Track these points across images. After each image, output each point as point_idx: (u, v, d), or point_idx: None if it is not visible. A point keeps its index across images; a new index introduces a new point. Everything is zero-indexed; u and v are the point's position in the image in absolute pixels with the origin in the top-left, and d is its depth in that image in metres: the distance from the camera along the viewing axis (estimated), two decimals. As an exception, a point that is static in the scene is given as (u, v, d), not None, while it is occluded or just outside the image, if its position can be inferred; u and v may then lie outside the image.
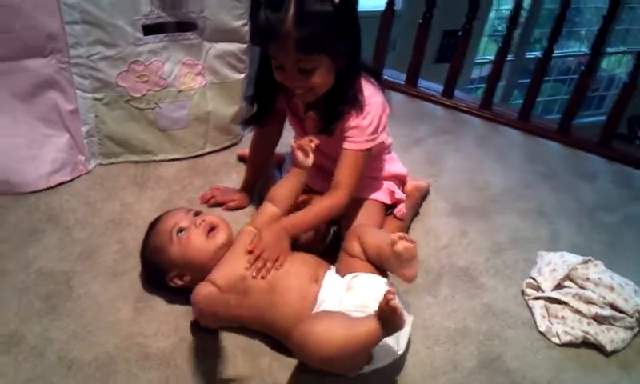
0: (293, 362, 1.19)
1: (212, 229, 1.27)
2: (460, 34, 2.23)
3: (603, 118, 2.25)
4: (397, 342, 1.16)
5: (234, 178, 1.71)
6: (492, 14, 4.40)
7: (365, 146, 1.36)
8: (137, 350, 1.19)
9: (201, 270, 1.23)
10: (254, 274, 1.20)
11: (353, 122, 1.35)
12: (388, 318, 1.02)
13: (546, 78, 2.27)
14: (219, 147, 1.83)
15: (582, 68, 2.16)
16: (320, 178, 1.53)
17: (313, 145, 1.34)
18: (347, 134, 1.36)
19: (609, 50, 4.88)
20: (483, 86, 4.79)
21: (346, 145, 1.36)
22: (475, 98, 2.33)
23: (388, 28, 2.29)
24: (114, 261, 1.40)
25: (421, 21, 2.24)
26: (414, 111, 2.24)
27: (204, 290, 1.17)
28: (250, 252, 1.24)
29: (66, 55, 1.51)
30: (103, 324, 1.24)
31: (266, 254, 1.23)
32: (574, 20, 5.03)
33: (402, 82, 2.34)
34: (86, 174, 1.65)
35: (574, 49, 5.17)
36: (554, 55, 2.18)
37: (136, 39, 1.55)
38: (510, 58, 4.48)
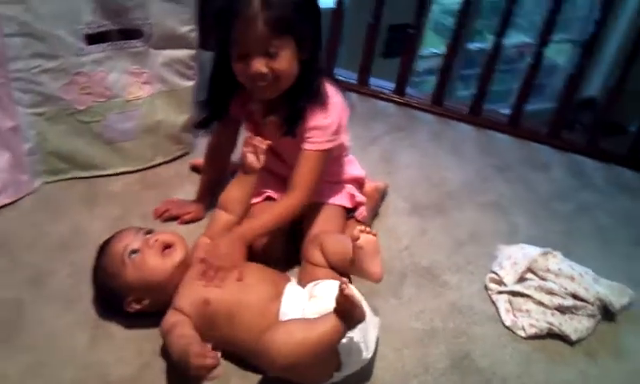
0: (262, 380, 1.16)
1: (167, 247, 1.22)
2: (410, 31, 2.22)
3: (545, 105, 2.30)
4: (366, 347, 1.15)
5: (188, 188, 1.65)
6: (435, 7, 4.44)
7: (325, 147, 1.34)
8: (97, 380, 1.13)
9: (160, 292, 1.18)
10: (204, 284, 1.17)
11: (313, 122, 1.32)
12: (345, 310, 1.01)
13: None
14: (170, 158, 1.77)
15: (528, 59, 2.19)
16: (283, 189, 1.50)
17: (264, 146, 1.30)
18: (308, 135, 1.33)
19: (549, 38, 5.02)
20: (429, 78, 4.85)
21: (305, 145, 1.33)
22: (426, 95, 2.34)
23: (339, 26, 2.27)
24: (68, 286, 1.32)
25: (371, 19, 2.23)
26: (367, 110, 2.23)
27: (173, 319, 1.13)
28: (202, 260, 1.20)
29: (4, 69, 1.42)
30: (59, 355, 1.17)
31: (218, 262, 1.19)
32: (514, 10, 5.12)
33: (354, 81, 2.32)
34: (30, 194, 1.56)
35: (514, 39, 5.28)
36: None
37: (78, 49, 1.48)
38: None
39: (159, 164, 1.75)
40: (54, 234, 1.46)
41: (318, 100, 1.32)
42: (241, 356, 1.18)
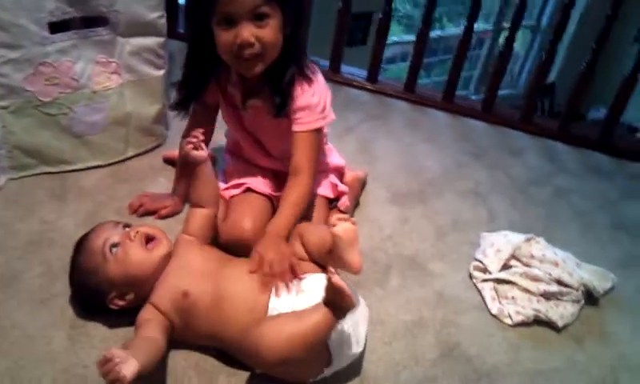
0: (251, 377, 1.13)
1: (149, 239, 1.17)
2: (380, 17, 2.21)
3: (502, 91, 2.32)
4: (356, 341, 1.13)
5: (162, 182, 1.61)
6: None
7: (316, 125, 1.31)
8: (78, 381, 1.08)
9: (145, 285, 1.14)
10: (277, 295, 1.12)
11: (300, 102, 1.29)
12: (335, 299, 0.98)
13: (447, 56, 2.32)
14: (142, 150, 1.71)
15: (500, 49, 2.21)
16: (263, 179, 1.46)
17: (200, 136, 1.25)
18: (296, 116, 1.30)
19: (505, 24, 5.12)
20: (390, 66, 4.88)
21: (296, 127, 1.30)
22: (399, 82, 2.33)
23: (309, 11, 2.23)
24: (40, 286, 1.26)
25: (340, 5, 2.20)
26: (341, 98, 2.20)
27: (148, 315, 1.09)
28: (254, 272, 1.15)
29: (-35, 62, 1.34)
30: (37, 358, 1.11)
31: (276, 268, 1.14)
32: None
33: (325, 68, 2.28)
34: (-4, 191, 1.49)
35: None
36: (451, 34, 2.23)
37: (42, 38, 1.41)
38: (411, 37, 4.58)
39: (131, 157, 1.68)
40: (22, 233, 1.39)
41: (302, 78, 1.28)
42: (227, 352, 1.14)
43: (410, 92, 2.27)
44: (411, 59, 2.28)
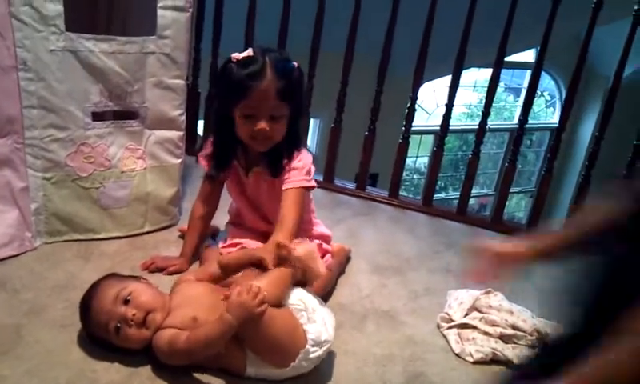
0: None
1: (148, 312, 1.33)
2: (366, 134, 2.56)
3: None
4: (325, 329, 1.34)
5: (173, 250, 1.85)
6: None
7: (303, 184, 1.60)
8: (88, 382, 1.27)
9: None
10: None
11: (290, 165, 1.59)
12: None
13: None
14: (157, 227, 1.97)
15: (469, 156, 2.53)
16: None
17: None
18: (285, 177, 1.59)
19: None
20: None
21: (285, 185, 1.59)
22: (384, 191, 2.63)
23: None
24: (62, 316, 1.48)
25: (332, 125, 2.56)
26: (331, 200, 2.49)
27: (170, 333, 1.30)
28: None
29: (21, 136, 1.66)
30: (54, 364, 1.31)
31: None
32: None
33: (320, 179, 2.59)
34: (31, 250, 1.74)
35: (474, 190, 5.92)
36: (454, 196, 2.54)
37: (85, 124, 1.74)
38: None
39: (147, 232, 1.95)
40: (51, 279, 1.63)
41: (296, 144, 1.61)
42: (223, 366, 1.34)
43: (393, 198, 2.56)
44: (393, 171, 2.60)
